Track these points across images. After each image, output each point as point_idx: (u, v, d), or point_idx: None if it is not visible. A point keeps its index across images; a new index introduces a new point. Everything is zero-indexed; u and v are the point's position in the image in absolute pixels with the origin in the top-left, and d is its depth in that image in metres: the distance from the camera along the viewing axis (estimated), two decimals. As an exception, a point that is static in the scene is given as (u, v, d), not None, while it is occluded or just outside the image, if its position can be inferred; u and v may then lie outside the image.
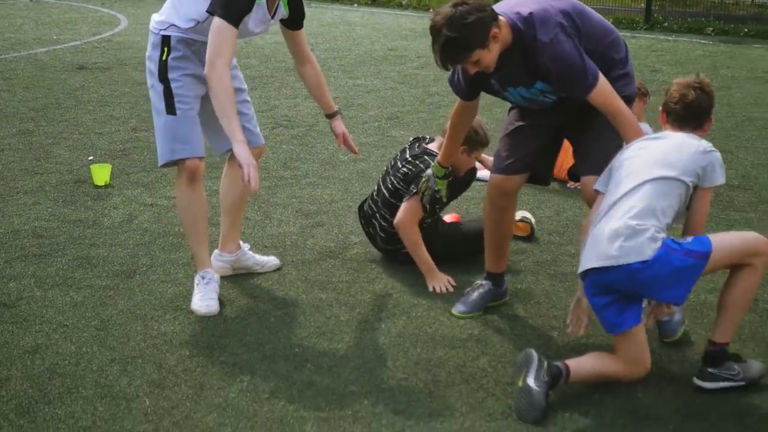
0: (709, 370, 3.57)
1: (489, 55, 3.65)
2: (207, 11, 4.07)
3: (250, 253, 4.84)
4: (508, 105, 4.28)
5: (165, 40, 4.24)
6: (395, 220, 4.71)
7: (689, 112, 3.67)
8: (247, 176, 3.87)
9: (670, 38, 13.99)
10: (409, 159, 4.84)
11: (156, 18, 4.32)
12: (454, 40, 3.56)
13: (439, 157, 4.45)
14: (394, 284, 4.68)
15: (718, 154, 3.55)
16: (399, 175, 4.82)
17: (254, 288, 4.61)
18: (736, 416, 3.42)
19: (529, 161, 4.14)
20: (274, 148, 7.20)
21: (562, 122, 4.06)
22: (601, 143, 3.91)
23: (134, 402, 3.50)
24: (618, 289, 3.45)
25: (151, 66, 4.29)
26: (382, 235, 4.91)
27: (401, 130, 7.88)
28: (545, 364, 3.42)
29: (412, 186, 4.70)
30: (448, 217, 5.35)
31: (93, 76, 10.20)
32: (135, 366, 3.78)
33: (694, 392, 3.58)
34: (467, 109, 4.19)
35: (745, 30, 14.39)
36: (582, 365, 3.51)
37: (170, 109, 4.25)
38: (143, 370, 3.74)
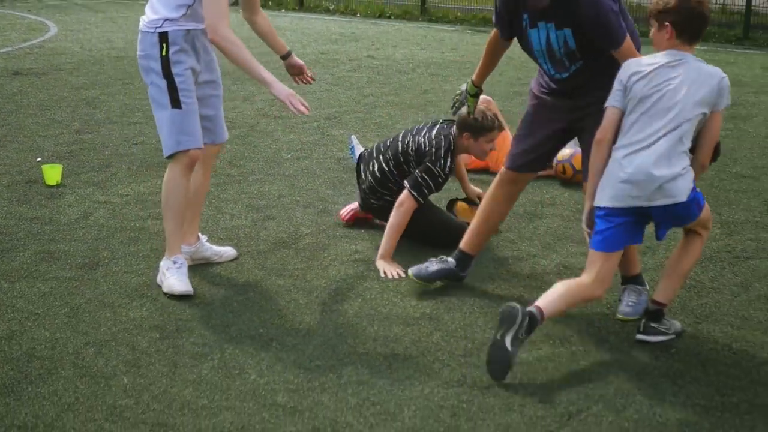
0: (652, 324, 4.02)
1: None
2: None
3: (208, 244, 5.06)
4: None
5: (162, 36, 4.44)
6: (398, 199, 5.02)
7: (702, 26, 3.91)
8: (293, 105, 4.32)
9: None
10: (433, 135, 5.16)
11: (147, 18, 4.51)
12: None
13: (473, 76, 4.75)
14: (347, 270, 4.94)
15: (727, 79, 3.89)
16: (416, 141, 5.19)
17: (214, 276, 4.84)
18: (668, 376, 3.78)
19: (539, 161, 4.57)
20: (218, 147, 7.42)
21: (570, 124, 4.42)
22: None
23: (113, 380, 3.71)
24: (641, 214, 3.85)
25: (151, 63, 4.47)
26: (371, 180, 5.33)
27: (340, 129, 8.14)
28: (526, 321, 3.70)
29: (422, 162, 5.06)
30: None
31: (30, 82, 10.26)
32: (109, 348, 3.98)
33: (631, 353, 3.93)
34: (501, 43, 4.54)
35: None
36: (552, 303, 3.81)
37: (175, 103, 4.47)
38: (117, 352, 3.95)
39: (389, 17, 17.48)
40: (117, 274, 4.83)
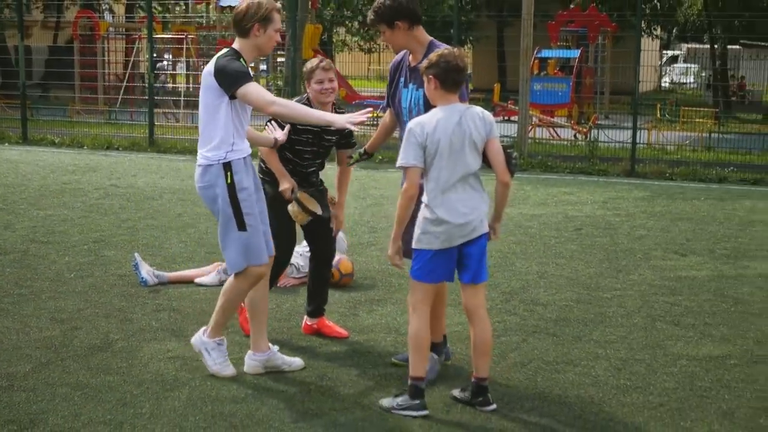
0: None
1: (391, 35, 5.32)
2: (231, 93, 4.98)
3: (279, 353, 5.54)
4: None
5: (227, 166, 5.03)
6: None
7: (458, 76, 4.87)
8: (359, 121, 4.95)
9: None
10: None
11: (202, 150, 5.11)
12: (376, 11, 5.34)
13: (366, 145, 5.86)
14: (167, 365, 5.58)
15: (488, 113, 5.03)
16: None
17: (50, 377, 5.32)
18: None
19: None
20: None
21: None
22: None
23: None
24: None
25: (218, 191, 5.05)
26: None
27: (111, 251, 8.68)
28: None
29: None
30: None
31: None
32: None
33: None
34: (392, 119, 5.68)
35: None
36: None
37: (242, 226, 5.05)
38: None
39: (117, 148, 17.99)
40: None
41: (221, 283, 7.36)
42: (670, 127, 21.80)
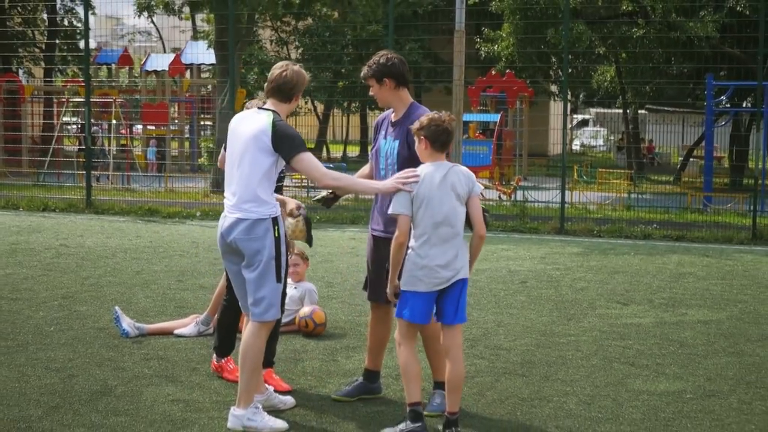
0: None
1: (378, 90, 5.90)
2: (288, 159, 5.41)
3: (275, 393, 5.93)
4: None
5: (275, 221, 5.39)
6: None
7: (447, 138, 5.42)
8: (406, 185, 5.37)
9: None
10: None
11: (247, 205, 5.42)
12: (370, 66, 5.92)
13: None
14: (171, 407, 5.92)
15: (465, 168, 5.56)
16: None
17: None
18: None
19: (381, 290, 5.86)
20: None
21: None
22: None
23: None
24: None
25: (266, 244, 5.37)
26: None
27: (83, 306, 8.94)
28: None
29: None
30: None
31: None
32: None
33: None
34: (370, 168, 6.18)
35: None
36: None
37: (279, 278, 5.42)
38: None
39: (54, 210, 18.09)
40: None
41: (200, 334, 7.77)
42: (587, 188, 22.78)
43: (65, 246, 13.06)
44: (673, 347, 7.79)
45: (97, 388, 6.31)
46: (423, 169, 5.45)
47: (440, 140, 5.43)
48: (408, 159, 5.78)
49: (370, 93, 6.00)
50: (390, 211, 5.44)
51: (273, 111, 5.59)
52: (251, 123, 5.58)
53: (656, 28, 22.49)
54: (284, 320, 7.74)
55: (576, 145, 48.74)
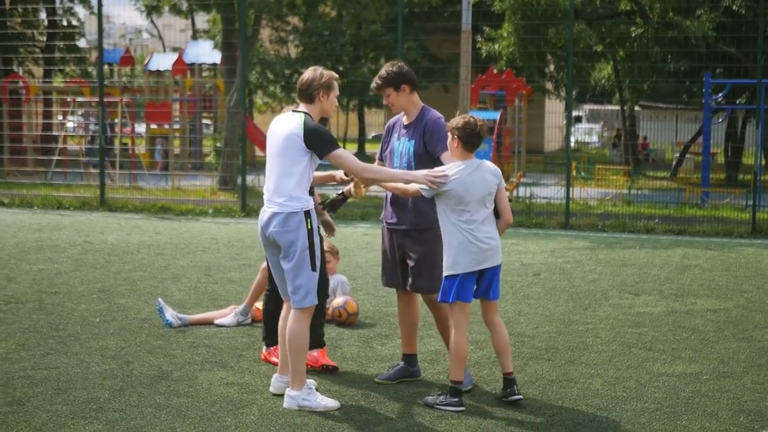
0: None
1: (396, 97, 6.35)
2: (323, 157, 5.85)
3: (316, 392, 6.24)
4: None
5: (307, 214, 5.85)
6: None
7: (477, 140, 5.98)
8: (436, 181, 5.91)
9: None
10: None
11: (281, 199, 5.89)
12: (386, 77, 6.37)
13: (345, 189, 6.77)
14: (226, 389, 6.36)
15: (496, 166, 6.18)
16: None
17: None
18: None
19: (403, 276, 6.47)
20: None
21: (404, 244, 6.43)
22: (428, 265, 6.37)
23: None
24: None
25: (299, 235, 5.83)
26: None
27: (122, 299, 9.36)
28: None
29: None
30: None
31: None
32: None
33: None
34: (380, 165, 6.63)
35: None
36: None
37: (314, 266, 5.86)
38: None
39: (68, 208, 18.49)
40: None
41: (239, 324, 8.21)
42: (585, 184, 23.27)
43: (89, 243, 13.47)
44: (686, 333, 8.26)
45: (154, 373, 6.74)
46: (456, 167, 6.01)
47: (471, 142, 6.05)
48: (423, 156, 6.33)
49: (385, 102, 6.47)
50: (429, 194, 6.05)
51: (305, 113, 6.08)
52: (285, 124, 6.08)
53: (654, 27, 22.95)
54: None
55: (571, 142, 49.29)
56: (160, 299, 8.37)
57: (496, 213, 6.17)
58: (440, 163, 6.23)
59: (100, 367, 6.88)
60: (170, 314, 8.23)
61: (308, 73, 6.15)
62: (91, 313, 8.68)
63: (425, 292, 6.49)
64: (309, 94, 6.10)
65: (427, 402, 6.10)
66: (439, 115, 6.48)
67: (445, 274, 6.06)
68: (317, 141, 5.93)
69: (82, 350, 7.35)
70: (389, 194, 6.48)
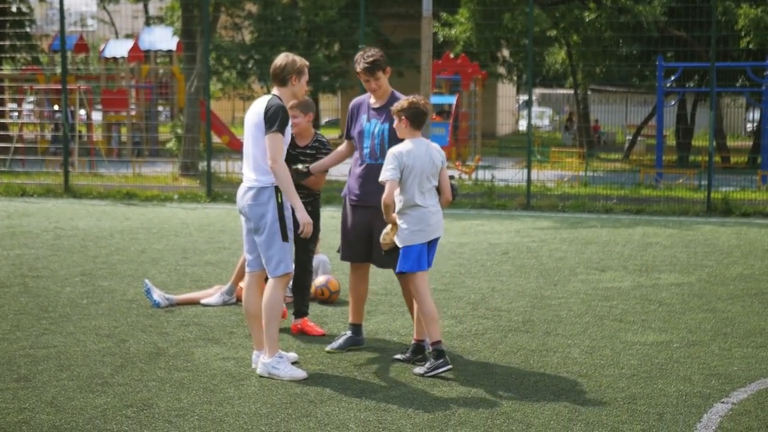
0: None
1: (384, 80, 6.78)
2: (266, 134, 6.09)
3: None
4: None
5: (277, 189, 6.17)
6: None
7: (423, 118, 6.50)
8: (305, 230, 6.29)
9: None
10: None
11: (256, 176, 6.22)
12: (374, 61, 6.74)
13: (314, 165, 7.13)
14: (223, 364, 6.63)
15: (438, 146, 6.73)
16: None
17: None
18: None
19: (365, 252, 6.80)
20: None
21: (371, 221, 6.76)
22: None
23: None
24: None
25: (268, 208, 6.15)
26: None
27: (105, 281, 9.54)
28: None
29: None
30: None
31: None
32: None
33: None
34: (348, 147, 7.06)
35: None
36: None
37: (285, 237, 6.17)
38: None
39: (32, 195, 18.51)
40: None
41: (224, 303, 8.45)
42: (541, 167, 23.74)
43: (60, 228, 13.58)
44: (653, 306, 8.67)
45: (151, 350, 6.98)
46: (406, 145, 6.52)
47: (418, 120, 6.56)
48: (396, 137, 6.69)
49: (373, 86, 6.81)
50: (381, 178, 6.45)
51: (274, 95, 6.49)
52: (255, 106, 6.50)
53: (607, 12, 23.44)
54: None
55: (522, 126, 49.88)
56: (147, 280, 8.59)
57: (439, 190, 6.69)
58: None
59: (97, 345, 7.10)
60: (157, 294, 8.45)
61: (282, 59, 6.54)
62: (77, 295, 8.86)
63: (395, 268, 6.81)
64: (283, 77, 6.50)
65: (417, 373, 6.44)
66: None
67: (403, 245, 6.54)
68: (266, 119, 6.31)
69: (76, 330, 7.56)
70: (355, 171, 6.90)
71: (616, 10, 23.29)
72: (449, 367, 6.42)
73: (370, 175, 6.76)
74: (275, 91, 6.54)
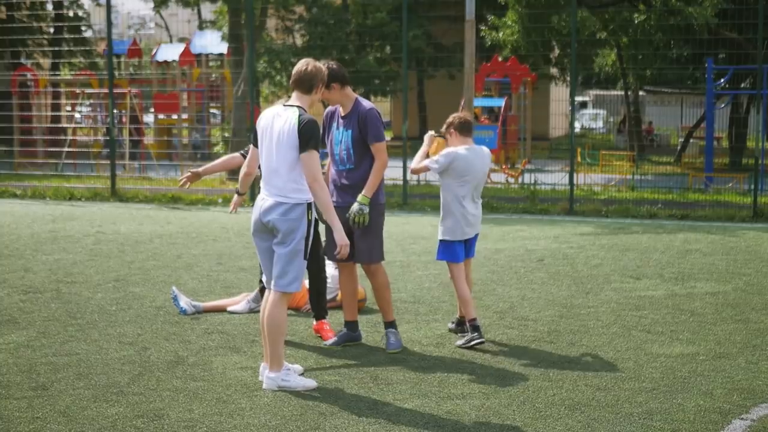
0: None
1: (328, 93, 6.93)
2: (301, 152, 6.12)
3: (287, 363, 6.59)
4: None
5: (309, 206, 6.17)
6: None
7: (470, 127, 7.40)
8: (341, 252, 6.35)
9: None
10: None
11: (285, 191, 6.17)
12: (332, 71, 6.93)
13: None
14: (241, 373, 6.64)
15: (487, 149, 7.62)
16: None
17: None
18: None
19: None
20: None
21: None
22: (369, 238, 7.14)
23: None
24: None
25: (300, 225, 6.14)
26: None
27: (136, 288, 9.63)
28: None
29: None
30: None
31: None
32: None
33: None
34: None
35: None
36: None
37: (306, 255, 6.16)
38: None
39: (80, 199, 18.78)
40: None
41: (251, 311, 8.47)
42: (590, 170, 23.49)
43: (102, 233, 13.75)
44: (684, 316, 8.51)
45: (171, 359, 7.02)
46: (462, 151, 7.29)
47: (465, 128, 7.46)
48: (359, 142, 7.11)
49: (322, 97, 6.87)
50: (421, 164, 7.53)
51: (297, 106, 6.37)
52: (282, 120, 6.31)
53: (656, 14, 23.09)
54: (328, 297, 8.43)
55: (576, 128, 49.40)
56: (174, 287, 8.65)
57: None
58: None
59: (118, 353, 7.16)
60: (184, 302, 8.51)
61: (309, 65, 6.44)
62: (107, 302, 8.96)
63: (365, 263, 7.27)
64: (310, 84, 6.42)
65: (456, 345, 7.43)
66: (372, 105, 7.19)
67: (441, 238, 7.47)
68: (302, 137, 6.21)
69: (100, 337, 7.63)
70: (332, 176, 7.26)
71: (666, 12, 22.93)
72: (482, 340, 7.31)
73: (343, 179, 7.20)
74: (296, 99, 6.41)
